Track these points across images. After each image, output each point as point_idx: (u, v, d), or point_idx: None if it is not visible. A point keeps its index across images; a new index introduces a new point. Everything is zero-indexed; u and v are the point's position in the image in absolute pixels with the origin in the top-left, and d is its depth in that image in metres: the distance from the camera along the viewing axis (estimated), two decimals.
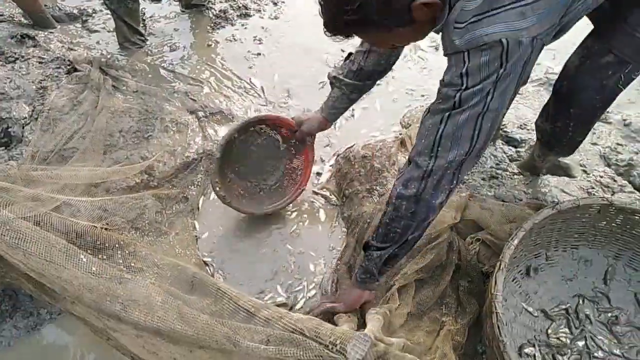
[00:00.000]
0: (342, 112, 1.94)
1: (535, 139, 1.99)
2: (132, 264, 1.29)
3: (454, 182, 1.26)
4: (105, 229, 1.48)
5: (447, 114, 1.16)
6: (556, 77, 1.70)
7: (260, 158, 2.11)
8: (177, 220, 2.05)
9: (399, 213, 1.31)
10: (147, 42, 3.11)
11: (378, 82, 1.82)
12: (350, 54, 1.76)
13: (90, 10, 3.41)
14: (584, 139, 1.79)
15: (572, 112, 1.66)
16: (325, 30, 1.17)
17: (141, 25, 3.10)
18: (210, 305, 1.18)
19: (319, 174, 2.31)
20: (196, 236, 2.07)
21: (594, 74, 1.54)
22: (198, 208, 2.18)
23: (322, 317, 1.56)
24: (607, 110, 1.84)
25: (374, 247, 1.43)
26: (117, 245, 1.32)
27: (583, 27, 1.48)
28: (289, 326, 1.02)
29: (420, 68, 2.92)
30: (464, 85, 1.12)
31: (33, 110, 2.39)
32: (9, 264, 1.18)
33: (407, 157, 1.34)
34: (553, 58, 2.75)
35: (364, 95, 1.87)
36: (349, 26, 1.14)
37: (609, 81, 1.52)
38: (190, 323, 1.07)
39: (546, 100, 1.80)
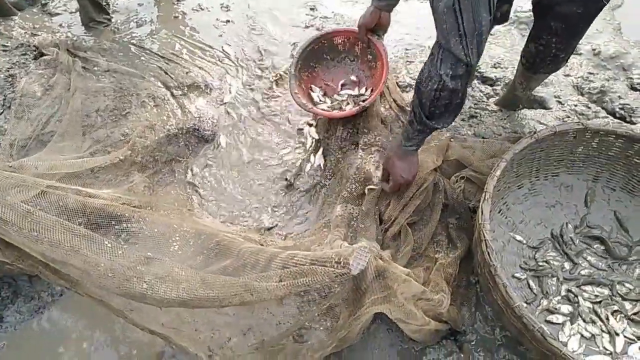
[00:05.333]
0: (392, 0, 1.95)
1: (510, 78, 2.01)
2: (156, 231, 1.31)
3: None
4: (123, 203, 1.49)
5: None
6: (525, 15, 1.69)
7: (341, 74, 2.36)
8: (166, 190, 2.06)
9: (444, 100, 1.42)
10: (113, 20, 3.03)
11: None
12: None
13: None
14: (568, 57, 1.75)
15: (552, 26, 1.62)
16: None
17: (105, 2, 3.01)
18: (233, 263, 1.22)
19: None
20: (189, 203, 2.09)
21: None
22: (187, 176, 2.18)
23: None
24: None
25: (416, 122, 1.54)
26: (139, 219, 1.33)
27: None
28: (300, 262, 1.08)
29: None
30: None
31: (4, 99, 2.35)
32: (27, 254, 1.18)
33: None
34: None
35: None
36: None
37: None
38: (211, 286, 1.10)
39: (518, 39, 1.79)
